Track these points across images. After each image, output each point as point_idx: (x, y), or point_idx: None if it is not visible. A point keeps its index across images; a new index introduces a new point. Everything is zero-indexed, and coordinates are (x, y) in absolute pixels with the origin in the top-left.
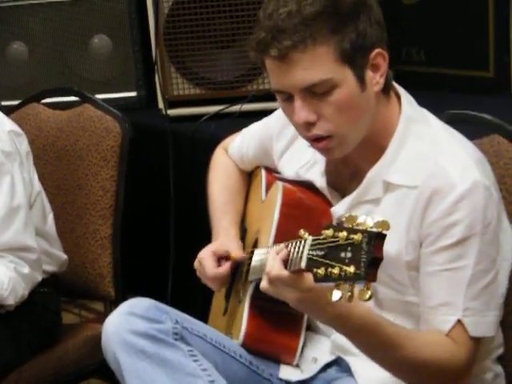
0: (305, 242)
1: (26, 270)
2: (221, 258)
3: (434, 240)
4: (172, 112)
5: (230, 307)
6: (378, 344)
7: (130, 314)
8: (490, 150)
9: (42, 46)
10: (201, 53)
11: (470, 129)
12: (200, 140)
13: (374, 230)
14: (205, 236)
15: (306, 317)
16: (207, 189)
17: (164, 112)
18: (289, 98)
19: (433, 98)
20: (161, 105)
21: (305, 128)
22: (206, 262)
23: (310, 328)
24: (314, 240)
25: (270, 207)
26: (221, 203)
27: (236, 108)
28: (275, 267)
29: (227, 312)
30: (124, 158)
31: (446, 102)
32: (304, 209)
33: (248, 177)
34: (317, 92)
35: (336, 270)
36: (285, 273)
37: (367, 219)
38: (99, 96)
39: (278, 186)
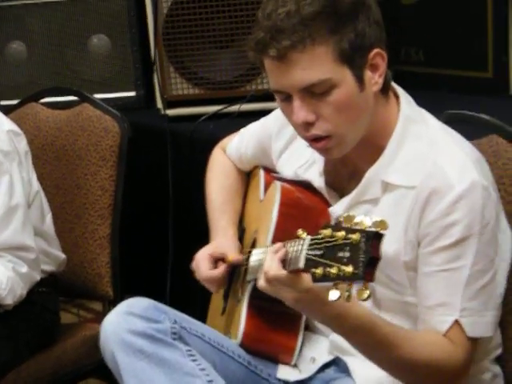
0: (303, 241)
1: (24, 269)
2: (218, 260)
3: (432, 240)
4: (171, 112)
5: (228, 307)
6: (374, 344)
7: (128, 314)
8: (488, 150)
9: (40, 46)
10: (200, 53)
11: (469, 129)
12: (199, 140)
13: (372, 229)
14: (203, 236)
15: (304, 317)
16: (205, 189)
17: (163, 112)
18: (287, 98)
19: (431, 98)
20: (159, 104)
21: (303, 128)
22: (201, 264)
23: (309, 328)
24: (312, 240)
25: (268, 207)
26: (219, 203)
27: (235, 108)
28: (273, 267)
29: (226, 312)
30: (123, 158)
31: (444, 103)
32: (302, 208)
33: (246, 177)
34: (316, 92)
35: (334, 270)
36: (283, 272)
37: (365, 219)
38: (98, 96)
39: (277, 186)
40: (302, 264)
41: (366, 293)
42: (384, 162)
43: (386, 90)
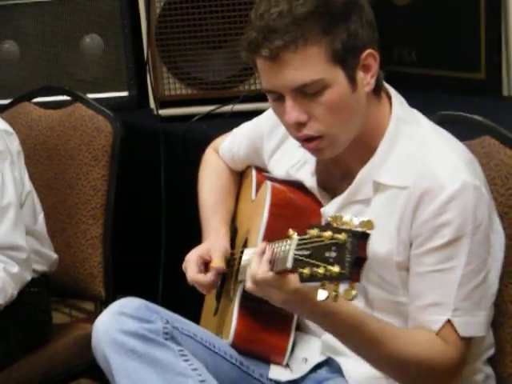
0: (291, 241)
1: (15, 269)
2: (207, 262)
3: (424, 241)
4: (163, 112)
5: (220, 307)
6: (363, 341)
7: (120, 314)
8: (480, 151)
9: (33, 46)
10: (193, 53)
11: (461, 130)
12: (191, 140)
13: (359, 229)
14: (196, 236)
15: (295, 317)
16: (198, 189)
17: (155, 112)
18: (280, 98)
19: (424, 99)
20: (152, 105)
21: (295, 128)
22: (189, 265)
23: (300, 328)
24: (299, 240)
25: (259, 207)
26: (211, 203)
27: (228, 108)
28: (260, 269)
29: (218, 312)
30: (115, 158)
31: (437, 103)
32: (293, 208)
33: (239, 177)
34: (308, 92)
35: (321, 270)
36: (269, 274)
37: (352, 219)
38: (90, 95)
39: (267, 186)
40: (289, 264)
41: (353, 293)
42: (376, 163)
43: (378, 90)
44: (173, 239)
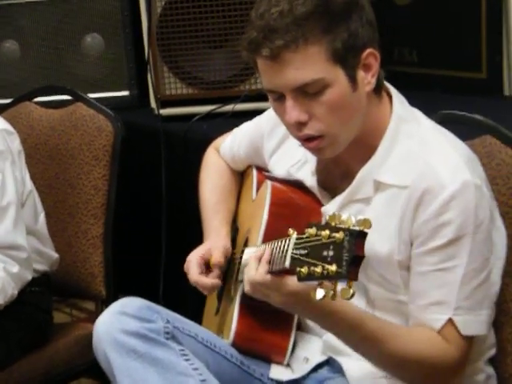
0: (289, 240)
1: (15, 269)
2: (209, 263)
3: (426, 240)
4: (164, 111)
5: (221, 307)
6: (362, 339)
7: (121, 314)
8: (481, 150)
9: (34, 45)
10: (193, 52)
11: (463, 129)
12: (192, 140)
13: (356, 228)
14: (196, 235)
15: (296, 316)
16: (199, 189)
17: (156, 111)
18: (280, 98)
19: (425, 99)
20: (153, 104)
21: (296, 128)
22: (191, 266)
23: (301, 328)
24: (297, 239)
25: (259, 206)
26: (212, 203)
27: (228, 108)
28: (258, 272)
29: (219, 312)
30: (116, 158)
31: (438, 103)
32: (294, 208)
33: (240, 176)
34: (308, 92)
35: (319, 269)
36: (267, 277)
37: (350, 218)
38: (91, 95)
39: (267, 185)
40: (287, 263)
41: (350, 292)
42: (376, 162)
43: (378, 89)
44: (173, 239)
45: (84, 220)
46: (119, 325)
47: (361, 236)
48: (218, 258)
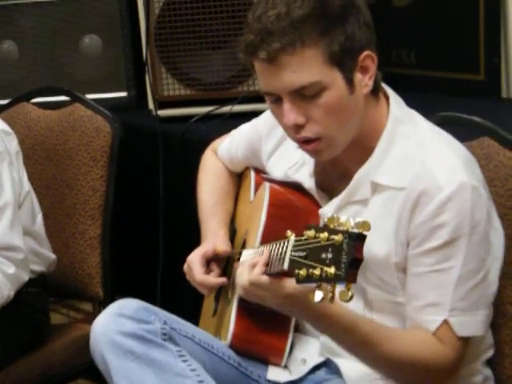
0: (287, 242)
1: (11, 270)
2: (210, 261)
3: (422, 241)
4: (162, 112)
5: (219, 308)
6: (357, 342)
7: (118, 315)
8: (479, 152)
9: (32, 46)
10: (191, 53)
11: (461, 131)
12: (190, 141)
13: (355, 230)
14: (194, 237)
15: (294, 318)
16: (196, 190)
17: (154, 112)
18: (278, 101)
19: (423, 101)
20: (151, 105)
21: (294, 130)
22: (194, 266)
23: (299, 329)
24: (296, 241)
25: (257, 208)
26: (210, 204)
27: (226, 109)
28: (253, 273)
29: (217, 313)
30: (114, 158)
31: (436, 105)
32: (292, 209)
33: (238, 178)
34: (306, 94)
35: (317, 271)
36: (263, 278)
37: (349, 220)
38: (89, 96)
39: (265, 187)
40: (286, 265)
41: (349, 294)
42: (373, 163)
43: (376, 91)
44: (171, 240)
45: (81, 221)
46: (116, 326)
47: (360, 238)
48: (223, 246)
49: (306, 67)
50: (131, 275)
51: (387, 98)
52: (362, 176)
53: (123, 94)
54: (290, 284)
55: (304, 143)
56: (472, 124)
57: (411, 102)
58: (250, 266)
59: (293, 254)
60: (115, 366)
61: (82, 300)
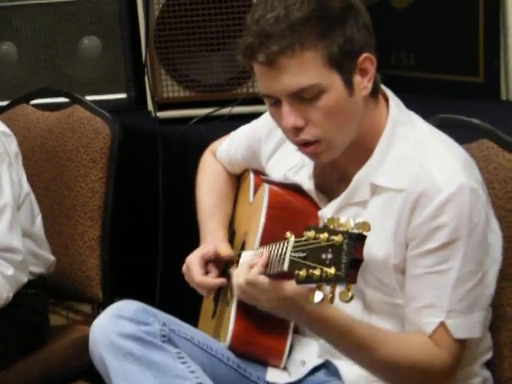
0: (287, 243)
1: (10, 271)
2: (209, 262)
3: (420, 243)
4: (162, 114)
5: (218, 310)
6: (353, 346)
7: (117, 317)
8: (478, 154)
9: (31, 47)
10: (191, 55)
11: (460, 133)
12: (189, 142)
13: (355, 231)
14: (193, 238)
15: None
16: (195, 192)
17: (153, 114)
18: (277, 103)
19: (422, 103)
20: (150, 107)
21: (293, 133)
22: (193, 267)
23: (298, 331)
24: (296, 242)
25: (256, 209)
26: (209, 206)
27: (226, 111)
28: (251, 272)
29: (216, 315)
30: (113, 160)
31: (435, 107)
32: (291, 211)
33: (237, 180)
34: (305, 97)
35: (317, 272)
36: (260, 278)
37: (349, 221)
38: (89, 97)
39: (265, 189)
40: (286, 266)
41: (349, 294)
42: (373, 165)
43: (375, 93)
44: (170, 241)
45: (81, 222)
46: (115, 328)
47: (360, 239)
48: (226, 250)
49: (305, 70)
50: (130, 277)
51: (386, 100)
52: (362, 178)
53: (122, 95)
54: (287, 286)
55: (303, 146)
56: (471, 126)
57: (410, 104)
58: (248, 267)
59: (293, 254)
60: (114, 367)
61: (81, 302)
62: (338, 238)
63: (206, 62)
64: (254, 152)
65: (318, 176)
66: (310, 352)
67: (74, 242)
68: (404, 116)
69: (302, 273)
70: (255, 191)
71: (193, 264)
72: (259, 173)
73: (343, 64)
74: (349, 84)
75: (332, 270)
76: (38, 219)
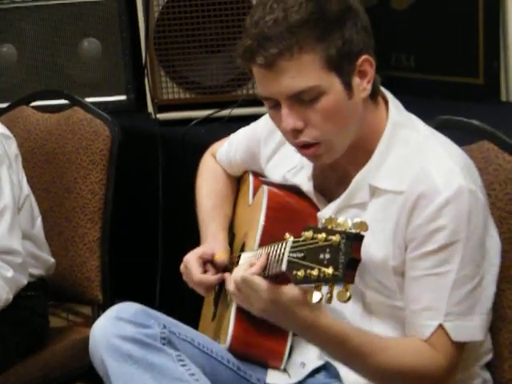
0: (285, 244)
1: (9, 273)
2: (207, 262)
3: (419, 245)
4: (161, 116)
5: (218, 312)
6: (347, 354)
7: (117, 319)
8: (478, 156)
9: (31, 49)
10: (191, 57)
11: (460, 135)
12: (189, 144)
13: (353, 231)
14: (193, 240)
15: None
16: (195, 193)
17: (153, 116)
18: (276, 105)
19: (422, 105)
20: (150, 108)
21: (292, 135)
22: (191, 265)
23: None
24: (294, 242)
25: (256, 211)
26: (209, 208)
27: (226, 112)
28: (249, 271)
29: (216, 317)
30: (113, 162)
31: (435, 109)
32: (290, 212)
33: (236, 182)
34: (304, 99)
35: (315, 272)
36: (257, 278)
37: (346, 220)
38: (89, 99)
39: (264, 190)
40: (284, 266)
41: (347, 294)
42: (372, 167)
43: (374, 95)
44: (170, 243)
45: (81, 224)
46: (115, 330)
47: (357, 239)
48: (222, 256)
49: (304, 72)
50: (130, 278)
51: (386, 102)
52: (361, 179)
53: (122, 97)
54: (281, 290)
55: (303, 148)
56: (471, 128)
57: (410, 106)
58: (248, 265)
59: (291, 255)
60: (114, 370)
61: (81, 303)
62: (335, 238)
63: (205, 63)
64: (254, 154)
65: (318, 177)
66: (310, 354)
67: (74, 243)
68: (403, 118)
69: (300, 273)
70: (254, 193)
71: (191, 262)
72: (259, 174)
73: (342, 66)
74: (348, 86)
75: (330, 270)
76: (38, 221)
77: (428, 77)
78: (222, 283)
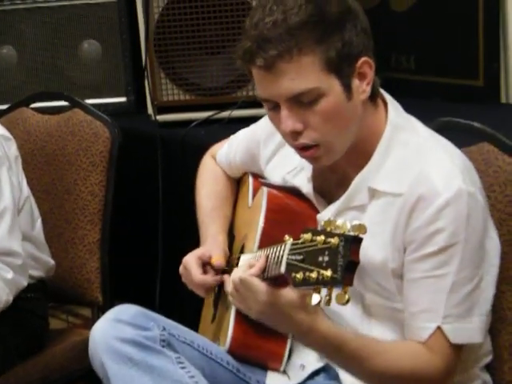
0: (284, 246)
1: (9, 275)
2: (206, 264)
3: (418, 247)
4: (161, 118)
5: (218, 314)
6: (344, 358)
7: (117, 321)
8: (478, 158)
9: (31, 51)
10: (191, 58)
11: (460, 137)
12: (189, 146)
13: (351, 233)
14: (193, 241)
15: None
16: (195, 195)
17: (153, 118)
18: (275, 107)
19: (422, 106)
20: (150, 110)
21: (291, 137)
22: (191, 267)
23: None
24: (293, 244)
25: (255, 212)
26: (208, 210)
27: (225, 114)
28: (247, 272)
29: (215, 319)
30: (113, 163)
31: (435, 110)
32: (290, 214)
33: (236, 183)
34: (303, 101)
35: (314, 274)
36: (256, 280)
37: (345, 223)
38: (89, 101)
39: (263, 192)
40: (283, 269)
41: (346, 297)
42: (371, 169)
43: (374, 97)
44: (170, 245)
45: (80, 226)
46: (115, 332)
47: (356, 241)
48: (219, 259)
49: (303, 74)
50: (130, 280)
51: (385, 103)
52: (360, 182)
53: (122, 99)
54: (278, 293)
55: (302, 150)
56: (471, 129)
57: (410, 108)
58: (247, 266)
59: (290, 257)
60: (114, 372)
61: (81, 305)
62: (334, 241)
63: (205, 65)
64: (253, 155)
65: (317, 179)
66: (309, 356)
67: (74, 245)
68: (403, 120)
69: (299, 275)
70: (254, 194)
71: (190, 264)
72: (258, 176)
73: (341, 68)
74: (347, 88)
75: (328, 273)
76: (38, 223)
77: (428, 78)
78: (221, 285)
